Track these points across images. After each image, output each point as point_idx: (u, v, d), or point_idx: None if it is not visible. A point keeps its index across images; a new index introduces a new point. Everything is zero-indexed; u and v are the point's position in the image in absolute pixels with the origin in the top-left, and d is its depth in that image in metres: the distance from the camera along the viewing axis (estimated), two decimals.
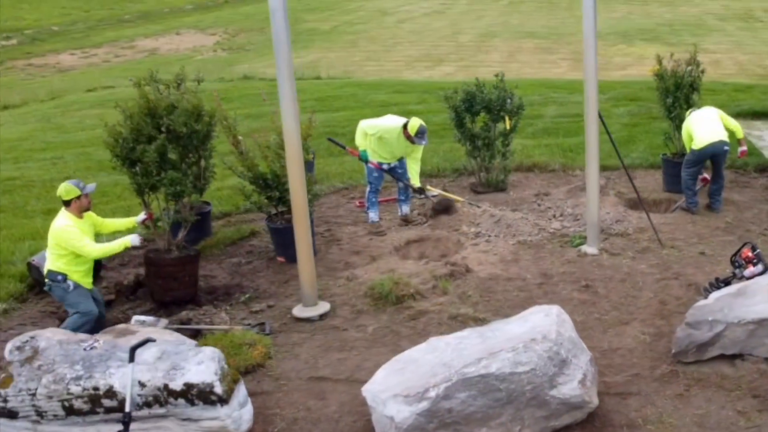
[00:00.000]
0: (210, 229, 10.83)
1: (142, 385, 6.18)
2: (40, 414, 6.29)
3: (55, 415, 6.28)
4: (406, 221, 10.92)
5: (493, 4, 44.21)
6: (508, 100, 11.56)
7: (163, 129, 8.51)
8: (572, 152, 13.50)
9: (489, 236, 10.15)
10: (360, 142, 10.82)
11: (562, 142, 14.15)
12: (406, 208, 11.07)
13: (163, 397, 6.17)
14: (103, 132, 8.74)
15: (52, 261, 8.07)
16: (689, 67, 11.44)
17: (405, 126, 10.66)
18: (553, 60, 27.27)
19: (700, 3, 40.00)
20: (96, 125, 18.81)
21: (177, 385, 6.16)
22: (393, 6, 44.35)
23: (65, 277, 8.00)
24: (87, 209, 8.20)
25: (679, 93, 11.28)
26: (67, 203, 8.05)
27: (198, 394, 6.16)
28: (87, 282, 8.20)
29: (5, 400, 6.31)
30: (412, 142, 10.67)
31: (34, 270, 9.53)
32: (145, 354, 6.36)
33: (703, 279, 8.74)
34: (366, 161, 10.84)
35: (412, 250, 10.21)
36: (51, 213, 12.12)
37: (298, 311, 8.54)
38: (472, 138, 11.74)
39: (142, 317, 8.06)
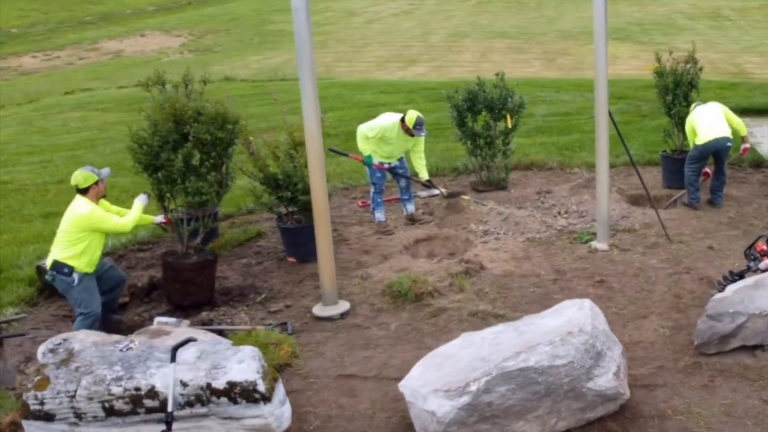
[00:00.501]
0: (217, 231, 10.81)
1: (184, 384, 6.19)
2: (79, 416, 6.25)
3: (94, 417, 6.25)
4: (412, 220, 10.99)
5: (460, 4, 44.32)
6: (509, 99, 11.68)
7: (190, 137, 8.48)
8: (568, 150, 13.67)
9: (498, 234, 10.25)
10: (363, 147, 10.84)
11: (556, 141, 14.32)
12: (411, 207, 11.13)
13: (205, 397, 6.18)
14: (127, 137, 8.69)
15: (61, 250, 8.01)
16: (688, 65, 11.62)
17: (402, 120, 10.71)
18: (525, 59, 27.45)
19: (669, 2, 40.49)
20: (81, 128, 18.77)
21: (220, 384, 6.17)
22: (360, 6, 44.30)
23: (71, 270, 7.97)
24: (103, 195, 8.24)
25: (679, 90, 11.46)
26: (84, 191, 8.05)
27: (241, 393, 6.18)
28: (92, 268, 8.15)
29: (42, 403, 6.27)
30: (411, 135, 10.71)
31: (44, 273, 9.45)
32: (184, 354, 6.37)
33: (715, 273, 8.91)
34: (371, 165, 10.89)
35: (421, 248, 10.29)
36: (49, 216, 12.11)
37: (319, 310, 8.58)
38: (474, 137, 11.83)
39: (164, 318, 8.02)
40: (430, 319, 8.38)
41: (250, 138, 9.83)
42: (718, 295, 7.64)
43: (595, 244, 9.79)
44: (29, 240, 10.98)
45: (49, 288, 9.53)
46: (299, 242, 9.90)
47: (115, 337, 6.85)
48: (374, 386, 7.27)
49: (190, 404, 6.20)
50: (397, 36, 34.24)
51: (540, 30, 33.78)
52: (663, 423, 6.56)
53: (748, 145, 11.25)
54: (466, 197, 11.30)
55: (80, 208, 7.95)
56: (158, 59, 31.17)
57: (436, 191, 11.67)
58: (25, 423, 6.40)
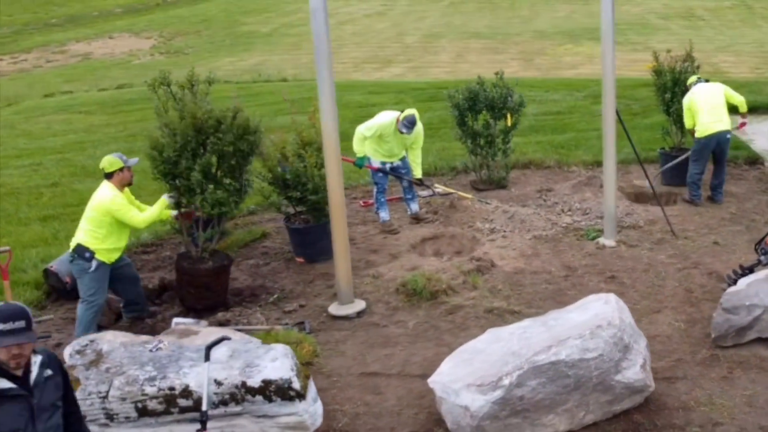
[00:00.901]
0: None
1: (218, 383, 6.19)
2: (111, 417, 6.23)
3: (126, 417, 6.23)
4: (416, 219, 11.02)
5: (433, 5, 44.31)
6: (510, 98, 11.78)
7: (208, 148, 8.39)
8: (564, 149, 13.79)
9: (504, 232, 10.32)
10: (358, 148, 10.81)
11: (551, 139, 14.43)
12: (415, 206, 11.14)
13: (240, 395, 6.18)
14: (145, 143, 8.64)
15: (84, 234, 8.05)
16: (686, 63, 11.79)
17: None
18: (502, 60, 27.42)
19: (642, 2, 40.78)
20: (67, 131, 18.60)
21: (255, 382, 6.18)
22: (332, 8, 43.85)
23: (92, 255, 8.00)
24: (129, 183, 8.22)
25: (677, 89, 11.60)
26: (109, 175, 8.08)
27: (276, 390, 6.19)
28: (111, 258, 8.19)
29: None
30: (401, 132, 10.73)
31: (52, 276, 9.41)
32: (216, 353, 6.36)
33: (722, 267, 9.05)
34: (361, 167, 10.91)
35: (427, 247, 10.31)
36: (47, 220, 12.04)
37: (335, 309, 8.59)
38: (474, 136, 11.90)
39: (182, 319, 8.01)
40: (446, 316, 8.43)
41: None
42: (732, 289, 7.78)
43: (602, 240, 9.89)
44: (31, 244, 10.89)
45: (57, 291, 9.50)
46: (308, 242, 9.91)
47: (143, 337, 6.84)
48: (398, 383, 7.31)
49: (224, 403, 6.21)
50: (371, 37, 34.22)
51: (515, 30, 33.91)
52: (688, 414, 6.66)
53: (746, 120, 11.35)
54: (468, 196, 11.38)
55: (103, 193, 8.01)
56: (129, 61, 30.92)
57: (431, 191, 11.75)
58: None
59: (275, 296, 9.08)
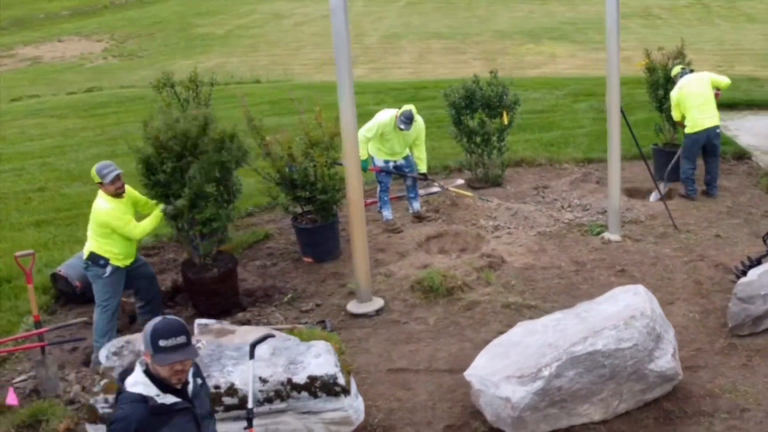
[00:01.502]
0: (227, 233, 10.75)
1: (263, 381, 6.21)
2: None
3: None
4: (419, 218, 11.09)
5: (390, 5, 44.20)
6: (505, 96, 11.92)
7: (192, 161, 8.24)
8: (554, 146, 13.94)
9: (509, 228, 10.44)
10: (360, 151, 10.83)
11: (540, 137, 14.56)
12: (416, 205, 11.21)
13: (285, 392, 6.21)
14: (126, 145, 8.54)
15: (93, 242, 8.00)
16: (677, 60, 12.03)
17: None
18: (465, 60, 27.56)
19: (598, 1, 41.18)
20: (43, 135, 18.32)
21: (300, 378, 6.21)
22: (287, 9, 43.77)
23: (107, 262, 7.98)
24: (115, 195, 7.95)
25: (669, 86, 11.81)
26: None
27: (321, 386, 6.22)
28: (125, 263, 8.16)
29: (112, 406, 6.20)
30: (399, 128, 10.78)
31: (61, 280, 9.33)
32: (257, 351, 6.36)
33: (728, 259, 9.28)
34: (365, 170, 10.97)
35: (432, 245, 10.38)
36: (41, 224, 11.92)
37: (354, 307, 8.64)
38: (470, 134, 12.00)
39: (204, 321, 7.97)
40: (465, 312, 8.52)
41: (268, 138, 9.82)
42: (745, 279, 7.99)
43: (607, 235, 10.06)
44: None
45: (65, 295, 9.42)
46: (316, 242, 9.94)
47: None
48: (427, 378, 7.40)
49: (269, 400, 6.23)
50: (330, 38, 33.99)
51: (475, 30, 34.03)
52: (715, 401, 6.86)
53: (719, 93, 11.39)
54: (469, 194, 11.49)
55: (99, 205, 7.95)
56: (81, 65, 30.42)
57: (435, 188, 11.84)
58: (92, 428, 6.33)
59: (289, 296, 9.11)
